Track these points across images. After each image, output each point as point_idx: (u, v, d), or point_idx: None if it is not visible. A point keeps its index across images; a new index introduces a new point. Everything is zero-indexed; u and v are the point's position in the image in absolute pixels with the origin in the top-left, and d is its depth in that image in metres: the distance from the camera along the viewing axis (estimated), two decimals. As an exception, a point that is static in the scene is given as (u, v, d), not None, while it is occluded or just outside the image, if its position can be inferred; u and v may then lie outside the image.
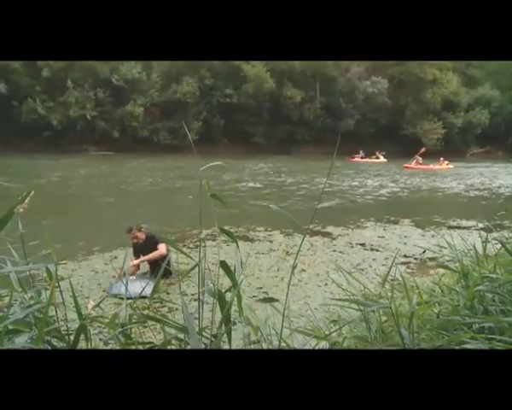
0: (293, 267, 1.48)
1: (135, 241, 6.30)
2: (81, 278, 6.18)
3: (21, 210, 1.33)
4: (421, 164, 29.55)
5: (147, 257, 6.11)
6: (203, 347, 1.37)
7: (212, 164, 1.66)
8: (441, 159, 30.08)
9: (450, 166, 29.60)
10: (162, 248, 6.06)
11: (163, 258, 5.79)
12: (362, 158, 34.69)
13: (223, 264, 1.41)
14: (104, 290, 5.60)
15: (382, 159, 34.82)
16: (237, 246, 1.57)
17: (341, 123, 43.06)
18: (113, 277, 6.00)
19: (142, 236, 6.29)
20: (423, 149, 30.90)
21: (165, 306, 5.04)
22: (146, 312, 1.92)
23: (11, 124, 35.49)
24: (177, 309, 4.43)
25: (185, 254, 1.67)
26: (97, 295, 5.37)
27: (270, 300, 1.66)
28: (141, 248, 6.26)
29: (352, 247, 8.22)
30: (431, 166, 29.10)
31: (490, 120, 46.37)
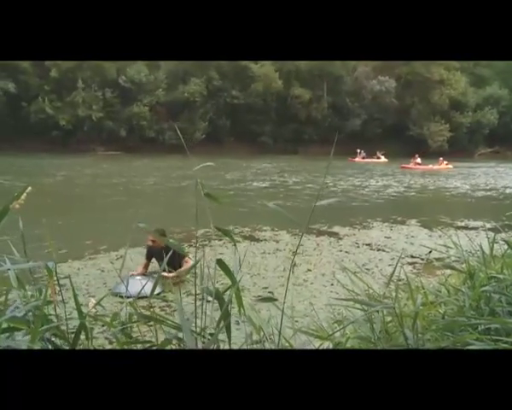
0: (292, 265, 1.47)
1: (150, 243, 6.13)
2: (87, 277, 6.20)
3: (17, 206, 1.32)
4: (419, 164, 29.41)
5: (176, 273, 5.60)
6: (200, 345, 1.36)
7: (203, 164, 1.67)
8: (440, 159, 30.03)
9: (450, 166, 29.41)
10: (188, 265, 5.82)
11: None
12: (363, 158, 34.76)
13: (219, 262, 1.40)
14: (110, 289, 5.61)
15: (383, 159, 34.96)
16: (235, 245, 1.57)
17: (348, 123, 43.02)
18: (119, 276, 5.98)
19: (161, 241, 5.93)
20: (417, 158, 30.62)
21: (170, 305, 5.04)
22: (147, 311, 1.91)
23: (19, 123, 35.79)
24: (182, 309, 4.42)
25: (185, 254, 1.67)
26: (103, 294, 5.38)
27: (270, 299, 1.65)
28: (156, 253, 6.06)
29: (359, 247, 8.19)
30: (430, 166, 28.90)
31: (498, 120, 46.04)
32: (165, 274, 5.21)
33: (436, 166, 29.05)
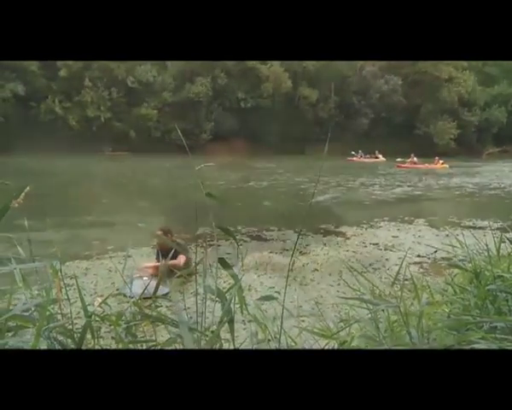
0: (291, 264, 1.47)
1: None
2: (95, 276, 6.23)
3: (16, 205, 1.34)
4: (415, 163, 29.69)
5: (164, 263, 5.56)
6: (198, 345, 1.37)
7: (205, 164, 1.69)
8: (436, 158, 30.51)
9: (446, 165, 29.70)
10: (179, 260, 5.85)
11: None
12: (360, 157, 35.11)
13: (221, 260, 1.41)
14: (118, 289, 5.62)
15: (381, 158, 35.48)
16: (236, 243, 1.58)
17: (355, 122, 42.99)
18: (122, 277, 5.99)
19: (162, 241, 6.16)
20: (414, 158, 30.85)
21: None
22: (153, 311, 1.93)
23: (28, 125, 36.06)
24: (189, 308, 4.44)
25: (187, 253, 1.68)
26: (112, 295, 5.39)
27: (270, 298, 1.66)
28: (164, 254, 6.10)
29: (366, 246, 8.16)
30: (426, 165, 29.14)
31: (507, 119, 45.70)
32: (173, 262, 5.39)
33: (432, 166, 29.35)
